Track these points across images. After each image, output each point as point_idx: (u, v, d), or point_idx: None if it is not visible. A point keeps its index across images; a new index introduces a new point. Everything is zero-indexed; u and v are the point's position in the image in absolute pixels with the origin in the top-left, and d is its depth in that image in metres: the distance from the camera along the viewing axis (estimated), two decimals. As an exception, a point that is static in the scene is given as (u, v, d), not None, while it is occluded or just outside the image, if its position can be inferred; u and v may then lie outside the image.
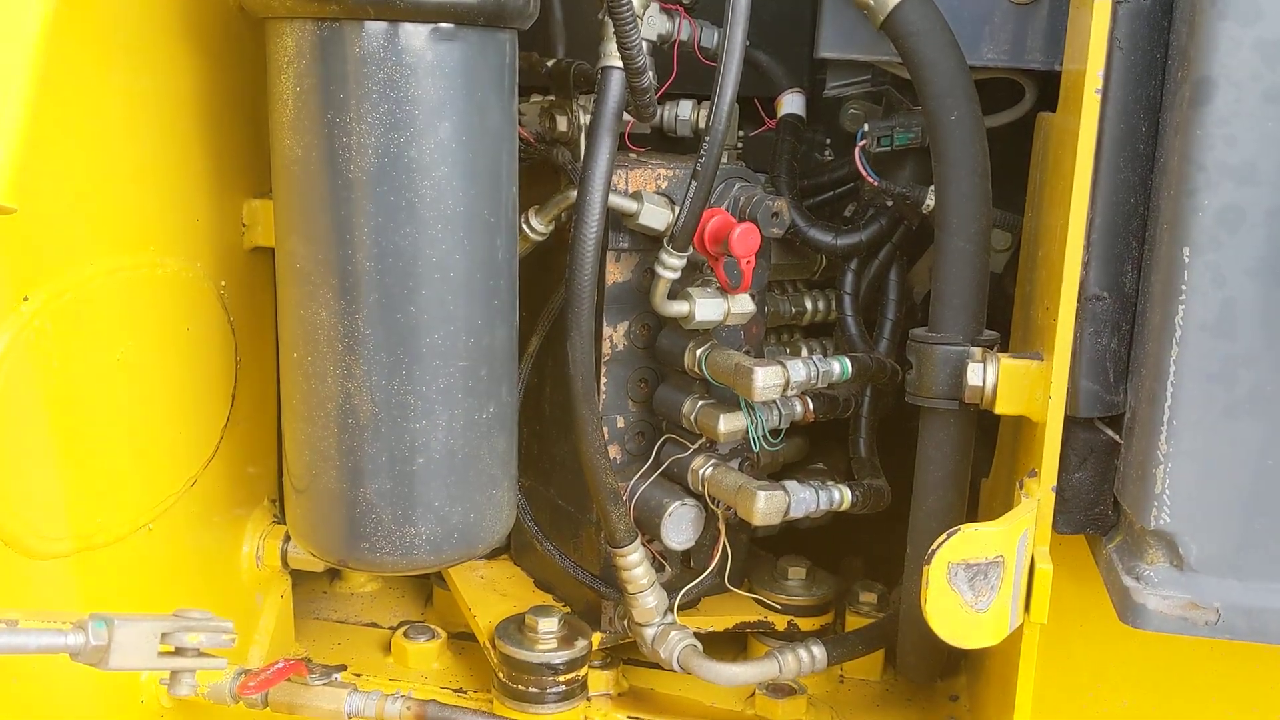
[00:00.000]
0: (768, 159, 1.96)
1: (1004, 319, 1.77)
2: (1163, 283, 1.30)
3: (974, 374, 1.49)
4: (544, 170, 1.84)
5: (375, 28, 1.34)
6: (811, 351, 2.04)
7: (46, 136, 1.30)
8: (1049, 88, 1.69)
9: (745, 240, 1.65)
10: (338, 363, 1.43)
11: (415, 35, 1.35)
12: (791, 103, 1.97)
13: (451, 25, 1.36)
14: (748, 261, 1.66)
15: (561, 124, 1.83)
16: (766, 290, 1.90)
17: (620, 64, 1.54)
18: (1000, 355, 1.50)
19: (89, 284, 1.42)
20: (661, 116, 1.93)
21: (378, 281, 1.40)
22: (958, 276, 1.57)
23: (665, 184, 1.77)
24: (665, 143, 1.96)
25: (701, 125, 1.93)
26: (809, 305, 2.01)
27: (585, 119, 1.82)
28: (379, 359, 1.42)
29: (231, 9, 1.62)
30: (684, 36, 1.88)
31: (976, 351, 1.53)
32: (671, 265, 1.64)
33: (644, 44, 1.52)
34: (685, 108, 1.93)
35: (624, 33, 1.43)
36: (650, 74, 1.51)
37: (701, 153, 1.56)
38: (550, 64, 1.86)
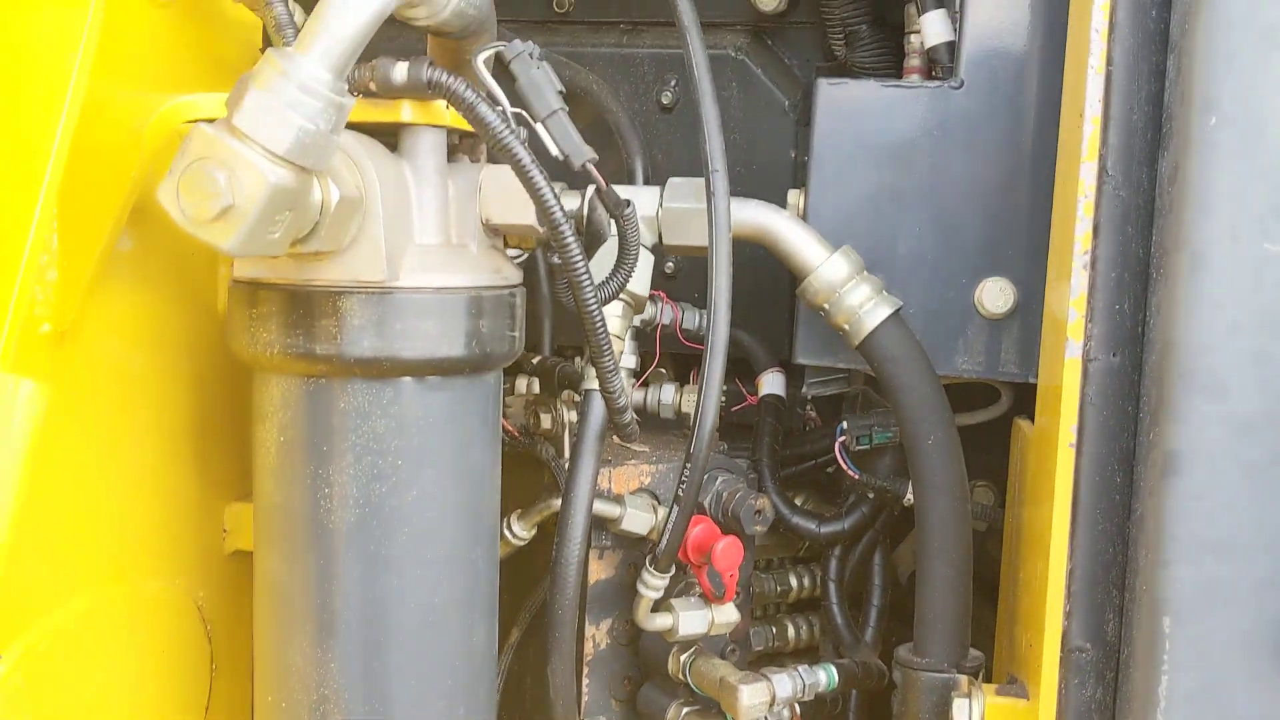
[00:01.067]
0: (750, 429, 1.98)
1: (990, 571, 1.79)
2: (1145, 650, 1.29)
3: (959, 711, 1.48)
4: (528, 458, 1.85)
5: (361, 384, 1.36)
6: (798, 629, 2.02)
7: (36, 528, 1.29)
8: (1025, 392, 1.72)
9: (728, 555, 1.65)
10: (312, 710, 1.40)
11: (401, 389, 1.36)
12: (771, 382, 2.00)
13: (438, 377, 1.38)
14: (731, 575, 1.66)
15: (546, 421, 1.85)
16: (752, 572, 1.89)
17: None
18: (985, 689, 1.49)
19: (66, 627, 1.40)
20: (645, 399, 1.96)
21: (356, 629, 1.39)
22: (941, 602, 1.56)
23: (648, 479, 1.78)
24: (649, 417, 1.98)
25: (684, 409, 1.95)
26: (794, 583, 2.00)
27: (570, 416, 1.84)
28: (356, 709, 1.40)
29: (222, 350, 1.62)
30: (665, 321, 1.93)
31: (962, 682, 1.52)
32: (654, 585, 1.63)
33: (625, 385, 1.54)
34: (668, 392, 1.95)
35: (606, 380, 1.46)
36: (631, 411, 1.53)
37: (683, 480, 1.56)
38: (536, 361, 1.89)
